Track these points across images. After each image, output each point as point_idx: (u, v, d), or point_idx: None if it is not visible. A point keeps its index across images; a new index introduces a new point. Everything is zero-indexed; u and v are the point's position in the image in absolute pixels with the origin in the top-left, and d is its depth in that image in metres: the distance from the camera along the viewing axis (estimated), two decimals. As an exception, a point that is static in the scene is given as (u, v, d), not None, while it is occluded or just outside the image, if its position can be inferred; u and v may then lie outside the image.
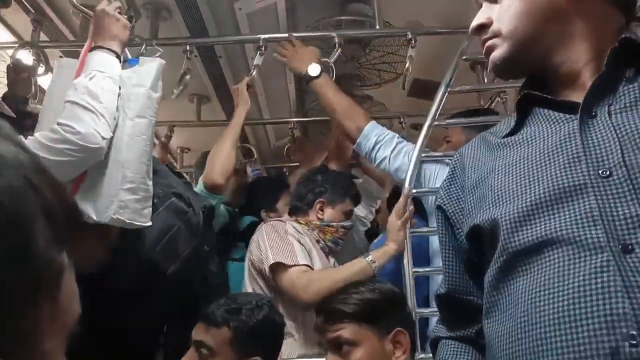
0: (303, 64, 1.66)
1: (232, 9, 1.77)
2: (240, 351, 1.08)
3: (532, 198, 0.59)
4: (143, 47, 1.61)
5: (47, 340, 0.25)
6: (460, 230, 0.73)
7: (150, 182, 1.13)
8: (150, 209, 1.13)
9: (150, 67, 1.20)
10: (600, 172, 0.55)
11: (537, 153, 0.62)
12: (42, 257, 0.24)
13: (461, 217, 0.73)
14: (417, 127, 1.93)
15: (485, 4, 0.72)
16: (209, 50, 1.95)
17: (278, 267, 1.49)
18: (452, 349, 0.77)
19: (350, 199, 1.75)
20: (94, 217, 1.04)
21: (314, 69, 1.63)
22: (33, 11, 1.74)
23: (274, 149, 2.92)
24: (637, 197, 0.53)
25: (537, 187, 0.59)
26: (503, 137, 0.70)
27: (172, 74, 1.80)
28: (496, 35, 0.69)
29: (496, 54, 0.69)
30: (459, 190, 0.75)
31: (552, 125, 0.64)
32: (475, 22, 0.71)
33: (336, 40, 1.68)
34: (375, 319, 1.05)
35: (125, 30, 1.22)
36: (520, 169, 0.63)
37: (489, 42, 0.70)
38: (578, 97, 0.63)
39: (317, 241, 1.66)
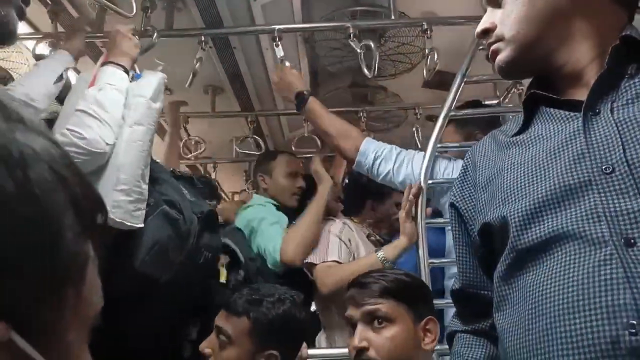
0: (290, 91, 1.69)
1: (247, 0, 1.76)
2: (258, 343, 1.08)
3: (539, 196, 0.60)
4: (155, 37, 1.60)
5: (71, 331, 0.25)
6: (472, 226, 0.76)
7: (145, 186, 1.19)
8: (143, 212, 1.17)
9: (151, 79, 1.28)
10: (603, 168, 0.57)
11: (544, 152, 0.64)
12: (69, 249, 0.25)
13: (473, 214, 0.75)
14: (432, 119, 1.92)
15: (489, 9, 0.74)
16: (223, 42, 1.96)
17: (310, 266, 1.64)
18: (466, 342, 0.79)
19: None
20: (132, 221, 1.13)
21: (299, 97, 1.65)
22: (50, 2, 1.76)
23: (288, 140, 2.93)
24: (639, 192, 0.54)
25: (543, 185, 0.61)
26: (512, 136, 0.71)
27: (187, 66, 1.82)
28: (500, 39, 0.71)
29: (501, 57, 0.71)
30: (471, 188, 0.77)
31: (558, 124, 0.65)
32: (479, 27, 0.74)
33: (351, 30, 1.67)
34: (412, 302, 1.06)
35: (136, 49, 1.35)
36: (527, 167, 0.64)
37: (494, 46, 0.72)
38: (582, 95, 0.63)
39: (368, 236, 1.80)
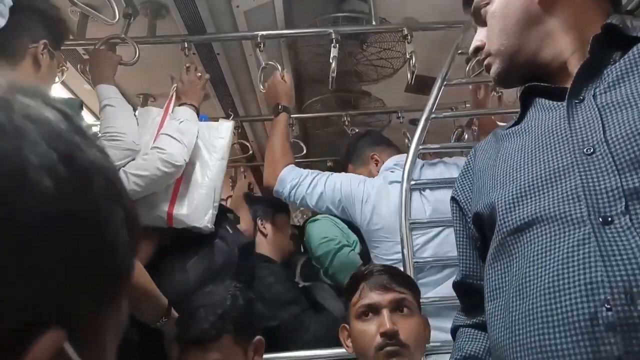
0: (274, 100, 1.78)
1: (230, 6, 1.78)
2: (243, 341, 1.09)
3: (524, 182, 0.62)
4: (136, 56, 1.65)
5: (109, 339, 0.26)
6: (471, 219, 0.78)
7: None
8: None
9: (228, 124, 1.69)
10: (584, 150, 0.58)
11: (532, 140, 0.66)
12: (122, 259, 0.26)
13: (470, 205, 0.78)
14: (415, 123, 1.94)
15: (479, 28, 0.80)
16: (206, 48, 1.97)
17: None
18: (468, 336, 0.81)
19: None
20: (194, 224, 1.44)
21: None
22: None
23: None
24: (618, 170, 0.55)
25: (529, 171, 0.63)
26: (507, 129, 0.74)
27: (171, 72, 1.82)
28: (489, 54, 0.77)
29: (493, 70, 0.76)
30: (470, 183, 0.80)
31: (547, 113, 0.68)
32: (472, 46, 0.80)
33: (333, 36, 1.69)
34: (419, 298, 1.12)
35: (203, 91, 1.68)
36: (516, 156, 0.67)
37: (486, 62, 0.77)
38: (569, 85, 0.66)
39: None
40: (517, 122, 0.74)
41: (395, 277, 1.09)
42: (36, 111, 0.24)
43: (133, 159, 1.35)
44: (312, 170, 1.70)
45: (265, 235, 1.92)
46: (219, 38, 1.89)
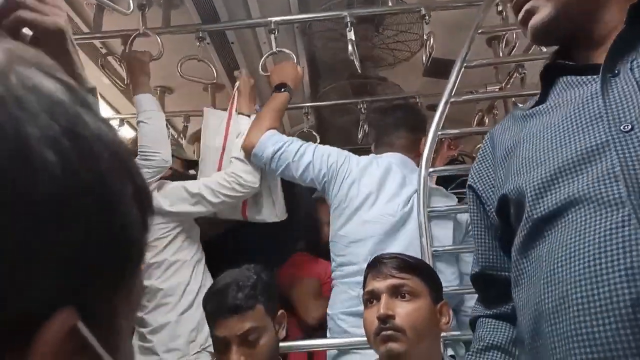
0: (279, 78, 1.73)
1: (243, -7, 1.76)
2: (271, 312, 1.16)
3: (555, 163, 0.59)
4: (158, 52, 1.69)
5: (122, 320, 0.26)
6: (491, 207, 0.74)
7: None
8: None
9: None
10: (621, 127, 0.54)
11: (561, 119, 0.62)
12: (135, 238, 0.26)
13: (491, 194, 0.74)
14: (434, 108, 1.90)
15: None
16: (221, 37, 1.95)
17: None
18: (488, 326, 0.78)
19: None
20: (272, 218, 1.76)
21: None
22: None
23: (288, 135, 2.92)
24: None
25: (560, 152, 0.59)
26: (529, 109, 0.70)
27: (187, 63, 1.82)
28: None
29: (538, 17, 0.67)
30: (489, 169, 0.76)
31: (575, 89, 0.63)
32: None
33: (348, 19, 1.66)
34: (432, 283, 1.11)
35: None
36: (545, 136, 0.63)
37: (529, 5, 0.68)
38: (603, 60, 0.61)
39: None
40: (539, 102, 0.69)
41: (399, 263, 1.09)
42: (36, 82, 0.23)
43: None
44: (296, 138, 1.65)
45: None
46: (232, 26, 1.87)
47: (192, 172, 2.00)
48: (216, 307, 1.13)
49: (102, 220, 0.23)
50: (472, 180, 0.79)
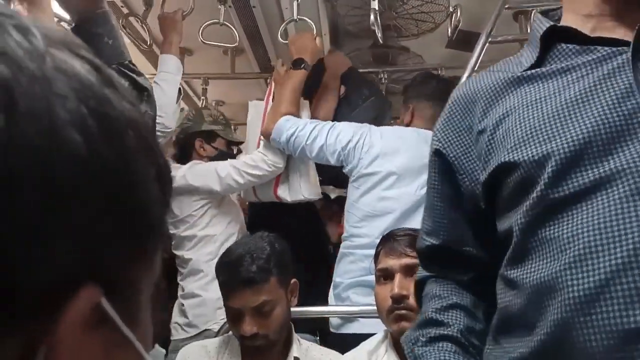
0: (299, 52, 1.74)
1: (267, -44, 1.72)
2: (285, 282, 1.16)
3: (580, 136, 0.53)
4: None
5: (143, 292, 0.27)
6: (465, 176, 0.66)
7: None
8: None
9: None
10: None
11: (579, 86, 0.56)
12: (156, 214, 0.26)
13: (466, 161, 0.66)
14: (455, 80, 1.87)
15: None
16: (242, 1, 1.92)
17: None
18: (449, 287, 0.71)
19: None
20: (298, 199, 1.83)
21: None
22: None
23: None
24: None
25: (584, 122, 0.53)
26: (524, 71, 0.62)
27: (209, 27, 1.81)
28: None
29: None
30: (463, 133, 0.67)
31: (591, 58, 0.58)
32: None
33: (373, -13, 1.62)
34: None
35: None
36: (558, 102, 0.57)
37: None
38: (622, 35, 0.57)
39: None
40: (537, 65, 0.61)
41: (412, 241, 1.06)
42: (66, 63, 0.23)
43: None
44: (312, 120, 1.69)
45: None
46: (255, -11, 1.84)
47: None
48: (229, 278, 1.13)
49: (124, 199, 0.24)
50: (440, 144, 0.69)
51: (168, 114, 1.57)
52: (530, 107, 0.59)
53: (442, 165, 0.69)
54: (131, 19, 1.93)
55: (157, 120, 1.50)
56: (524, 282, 0.57)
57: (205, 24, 1.82)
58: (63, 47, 0.24)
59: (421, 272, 0.77)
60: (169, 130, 1.58)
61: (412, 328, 0.73)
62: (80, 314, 0.21)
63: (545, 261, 0.54)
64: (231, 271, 1.13)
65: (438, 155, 0.70)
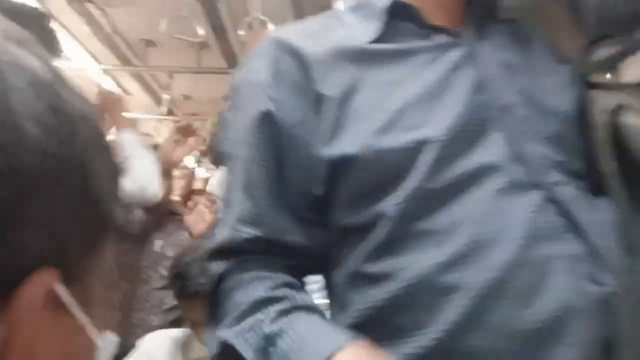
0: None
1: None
2: None
3: (450, 124, 0.52)
4: None
5: (96, 282, 0.29)
6: (299, 149, 0.55)
7: None
8: None
9: None
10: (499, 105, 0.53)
11: (434, 74, 0.55)
12: (107, 206, 0.28)
13: (304, 131, 0.55)
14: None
15: None
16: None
17: None
18: (257, 273, 0.55)
19: None
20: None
21: None
22: None
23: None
24: (539, 136, 0.51)
25: (449, 112, 0.53)
26: (368, 43, 0.56)
27: (173, 19, 1.78)
28: None
29: None
30: (301, 97, 0.55)
31: (432, 44, 0.56)
32: None
33: (337, -12, 1.61)
34: None
35: None
36: (416, 88, 0.54)
37: None
38: (451, 24, 0.56)
39: None
40: (380, 39, 0.56)
41: None
42: (24, 60, 0.25)
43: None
44: None
45: None
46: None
47: None
48: (181, 289, 1.15)
49: (80, 190, 0.25)
50: (273, 105, 0.55)
51: (155, 183, 1.63)
52: (387, 88, 0.54)
53: (272, 133, 0.55)
54: (89, 6, 1.89)
55: (147, 192, 1.58)
56: (398, 277, 0.51)
57: (167, 15, 1.79)
58: (21, 45, 0.26)
59: (218, 266, 0.57)
60: (157, 199, 1.64)
61: (228, 322, 0.52)
62: (35, 297, 0.23)
63: (424, 254, 0.51)
64: (181, 283, 1.15)
65: (267, 120, 0.55)
